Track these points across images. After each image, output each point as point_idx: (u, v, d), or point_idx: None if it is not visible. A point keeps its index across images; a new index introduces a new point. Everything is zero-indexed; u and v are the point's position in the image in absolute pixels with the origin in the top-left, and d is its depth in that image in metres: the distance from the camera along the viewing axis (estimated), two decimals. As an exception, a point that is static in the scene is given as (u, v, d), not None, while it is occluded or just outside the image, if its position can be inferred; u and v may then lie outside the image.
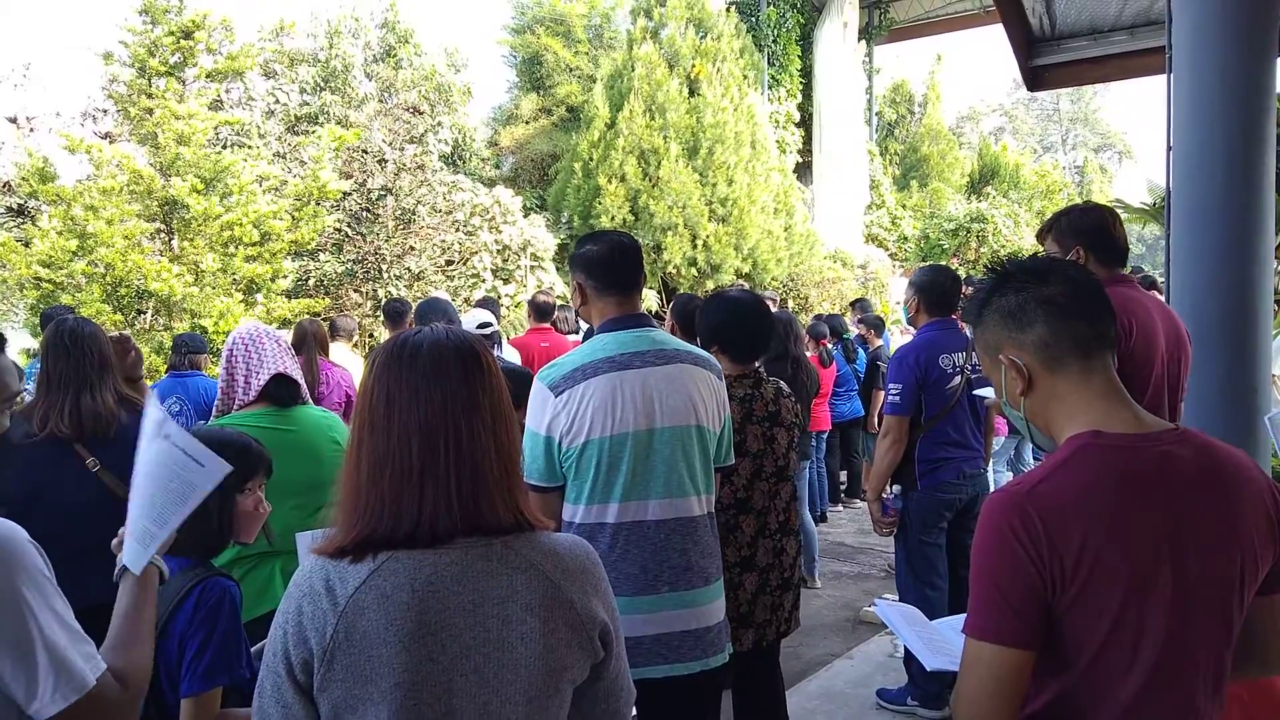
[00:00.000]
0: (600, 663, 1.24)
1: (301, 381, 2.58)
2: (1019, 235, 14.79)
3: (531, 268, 11.92)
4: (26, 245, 8.40)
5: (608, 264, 2.25)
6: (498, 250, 11.82)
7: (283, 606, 1.16)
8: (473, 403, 1.19)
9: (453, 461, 1.16)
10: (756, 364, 2.93)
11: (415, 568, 1.14)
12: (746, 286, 10.35)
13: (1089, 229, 2.53)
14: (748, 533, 2.76)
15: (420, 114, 13.53)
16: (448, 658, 1.12)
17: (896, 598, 3.81)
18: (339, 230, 11.18)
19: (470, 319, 5.27)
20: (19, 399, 1.74)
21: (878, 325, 7.88)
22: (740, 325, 2.79)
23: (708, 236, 12.40)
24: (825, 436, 6.95)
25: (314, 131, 11.15)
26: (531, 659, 1.15)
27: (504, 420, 1.23)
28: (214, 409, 2.55)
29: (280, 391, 2.51)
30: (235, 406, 2.51)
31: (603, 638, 1.23)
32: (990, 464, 4.07)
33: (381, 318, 6.76)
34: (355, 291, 11.17)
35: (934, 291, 3.70)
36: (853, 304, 9.70)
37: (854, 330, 8.10)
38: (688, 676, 2.16)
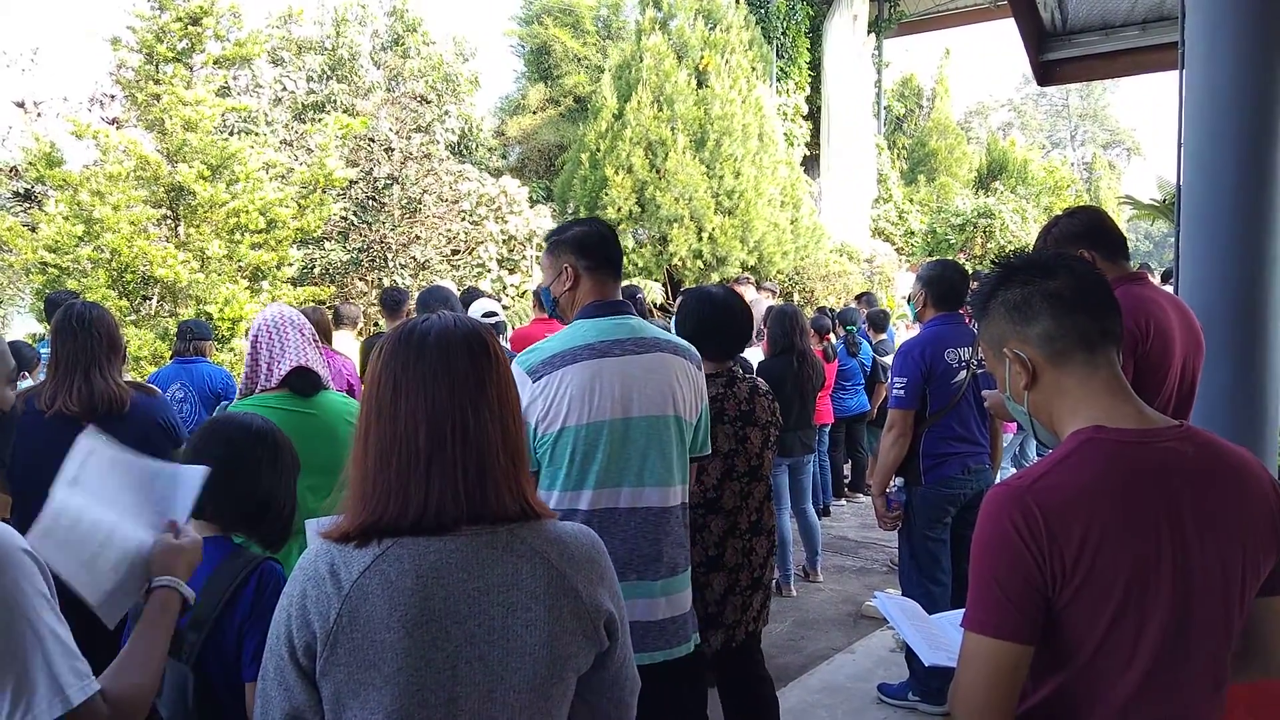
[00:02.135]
0: (605, 652, 1.24)
1: (323, 371, 2.58)
2: (1026, 231, 14.73)
3: (537, 258, 11.92)
4: (33, 230, 8.42)
5: (600, 243, 2.25)
6: (503, 240, 11.84)
7: (287, 589, 1.16)
8: (480, 391, 1.19)
9: (460, 449, 1.16)
10: (731, 362, 2.91)
11: (420, 554, 1.14)
12: (753, 279, 10.33)
13: (1085, 231, 2.45)
14: (715, 532, 2.74)
15: (427, 103, 13.52)
16: (452, 645, 1.13)
17: (899, 592, 3.81)
18: (345, 218, 11.19)
19: (476, 308, 5.27)
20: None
21: (880, 320, 7.86)
22: (719, 323, 2.75)
23: (714, 229, 12.37)
24: (828, 430, 6.95)
25: (321, 119, 11.14)
26: (536, 647, 1.16)
27: (510, 409, 1.23)
28: (238, 390, 2.58)
29: (300, 383, 2.51)
30: (258, 390, 2.53)
31: (608, 627, 1.23)
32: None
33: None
34: (361, 280, 11.20)
35: (941, 286, 3.69)
36: (858, 298, 9.68)
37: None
38: (649, 666, 2.13)
